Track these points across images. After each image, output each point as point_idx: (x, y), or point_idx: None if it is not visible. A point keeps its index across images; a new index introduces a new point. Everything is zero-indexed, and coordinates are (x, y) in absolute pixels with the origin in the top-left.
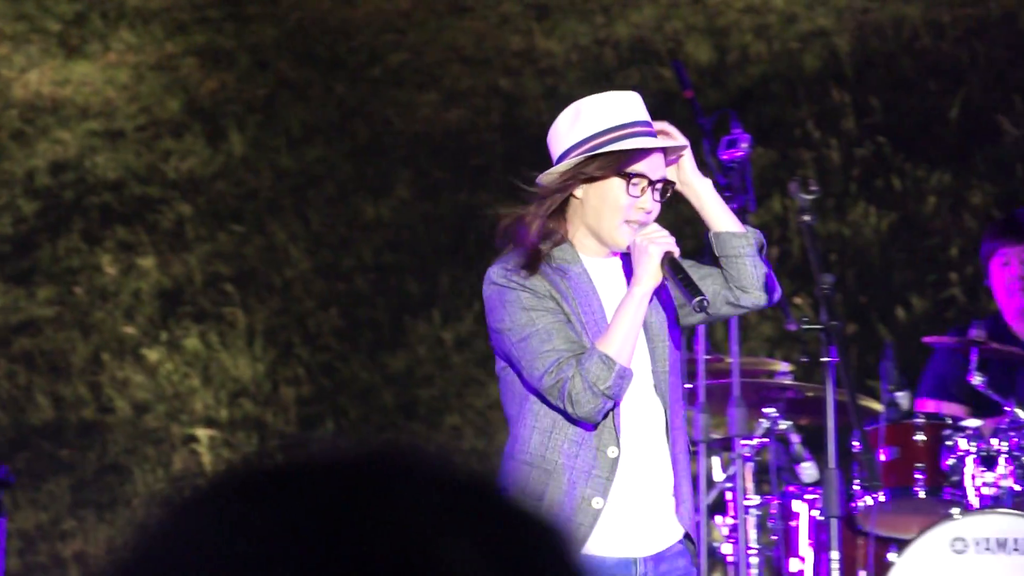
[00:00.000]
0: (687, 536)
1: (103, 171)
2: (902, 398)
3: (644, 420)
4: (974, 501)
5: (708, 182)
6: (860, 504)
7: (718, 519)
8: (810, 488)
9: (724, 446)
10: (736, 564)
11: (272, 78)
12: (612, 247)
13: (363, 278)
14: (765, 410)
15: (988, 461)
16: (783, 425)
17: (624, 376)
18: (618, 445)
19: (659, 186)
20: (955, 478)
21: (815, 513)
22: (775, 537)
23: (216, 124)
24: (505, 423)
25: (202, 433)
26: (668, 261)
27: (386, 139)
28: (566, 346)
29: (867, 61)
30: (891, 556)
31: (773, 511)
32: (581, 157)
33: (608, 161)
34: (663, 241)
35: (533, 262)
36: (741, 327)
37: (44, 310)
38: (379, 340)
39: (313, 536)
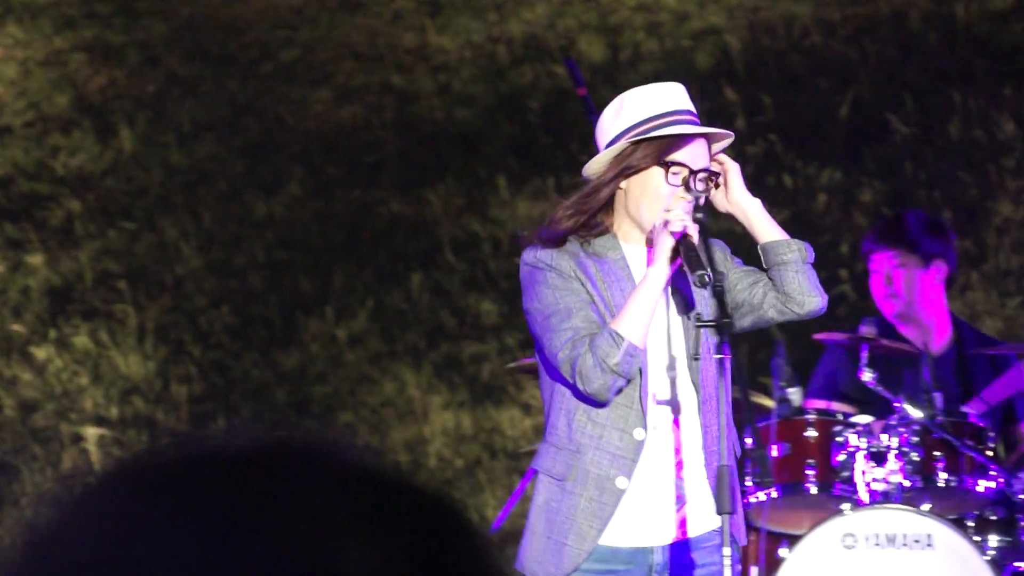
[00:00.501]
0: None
1: None
2: (793, 395)
3: (675, 407)
4: (864, 497)
5: (756, 201)
6: (752, 500)
7: None
8: None
9: None
10: None
11: (162, 74)
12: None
13: (255, 275)
14: None
15: (878, 457)
16: None
17: (633, 354)
18: (644, 428)
19: (701, 176)
20: (845, 474)
21: None
22: None
23: (106, 120)
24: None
25: (92, 432)
26: (682, 241)
27: (278, 136)
28: (584, 325)
29: (758, 59)
30: (782, 552)
31: None
32: (624, 144)
33: (649, 150)
34: (678, 222)
35: (559, 241)
36: None
37: None
38: (272, 338)
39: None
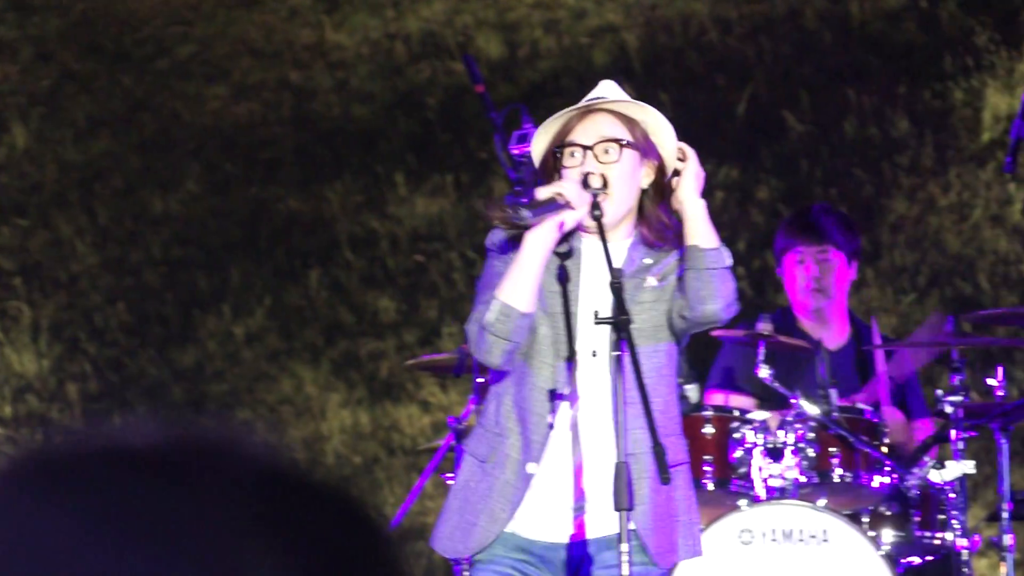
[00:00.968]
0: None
1: None
2: (691, 391)
3: (599, 399)
4: (761, 493)
5: (699, 204)
6: None
7: None
8: None
9: None
10: None
11: (56, 70)
12: (585, 227)
13: (151, 272)
14: None
15: (775, 453)
16: None
17: (508, 314)
18: (553, 412)
19: (597, 147)
20: (743, 470)
21: None
22: None
23: None
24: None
25: None
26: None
27: (175, 132)
28: (489, 294)
29: (655, 57)
30: None
31: None
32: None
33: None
34: (553, 193)
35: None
36: None
37: None
38: (168, 335)
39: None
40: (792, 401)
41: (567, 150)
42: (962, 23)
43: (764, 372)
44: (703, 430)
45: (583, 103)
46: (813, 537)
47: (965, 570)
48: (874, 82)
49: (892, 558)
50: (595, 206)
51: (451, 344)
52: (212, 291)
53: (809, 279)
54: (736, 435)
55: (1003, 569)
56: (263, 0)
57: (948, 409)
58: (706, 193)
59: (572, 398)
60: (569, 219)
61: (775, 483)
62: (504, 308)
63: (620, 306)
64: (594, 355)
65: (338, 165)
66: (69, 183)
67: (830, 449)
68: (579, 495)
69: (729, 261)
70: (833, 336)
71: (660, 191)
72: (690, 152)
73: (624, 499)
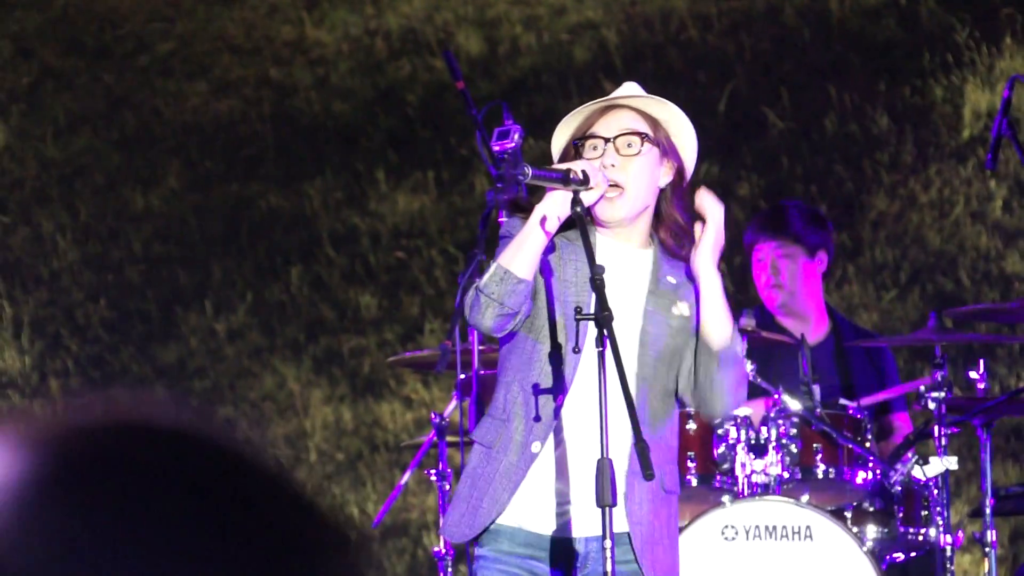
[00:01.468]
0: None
1: None
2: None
3: (608, 394)
4: (744, 489)
5: (717, 281)
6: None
7: None
8: None
9: None
10: None
11: (36, 66)
12: (598, 219)
13: (133, 269)
14: None
15: (758, 449)
16: None
17: (503, 278)
18: (563, 394)
19: (619, 140)
20: (726, 466)
21: None
22: None
23: None
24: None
25: None
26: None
27: (155, 129)
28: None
29: (636, 53)
30: None
31: None
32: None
33: (564, 142)
34: (565, 165)
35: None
36: None
37: None
38: (150, 332)
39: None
40: (775, 396)
41: (588, 143)
42: (942, 20)
43: (747, 367)
44: (686, 426)
45: (606, 99)
46: (796, 533)
47: (948, 566)
48: (854, 79)
49: (876, 554)
50: (575, 201)
51: (433, 340)
52: (194, 288)
53: (767, 275)
54: (719, 431)
55: (986, 565)
56: None
57: (931, 405)
58: (687, 189)
59: (566, 391)
60: (583, 196)
61: (758, 479)
62: (499, 270)
63: (602, 302)
64: (576, 351)
65: (319, 162)
66: (50, 180)
67: (813, 445)
68: (583, 490)
69: (740, 349)
70: (811, 331)
71: (678, 193)
72: (714, 210)
73: (607, 495)
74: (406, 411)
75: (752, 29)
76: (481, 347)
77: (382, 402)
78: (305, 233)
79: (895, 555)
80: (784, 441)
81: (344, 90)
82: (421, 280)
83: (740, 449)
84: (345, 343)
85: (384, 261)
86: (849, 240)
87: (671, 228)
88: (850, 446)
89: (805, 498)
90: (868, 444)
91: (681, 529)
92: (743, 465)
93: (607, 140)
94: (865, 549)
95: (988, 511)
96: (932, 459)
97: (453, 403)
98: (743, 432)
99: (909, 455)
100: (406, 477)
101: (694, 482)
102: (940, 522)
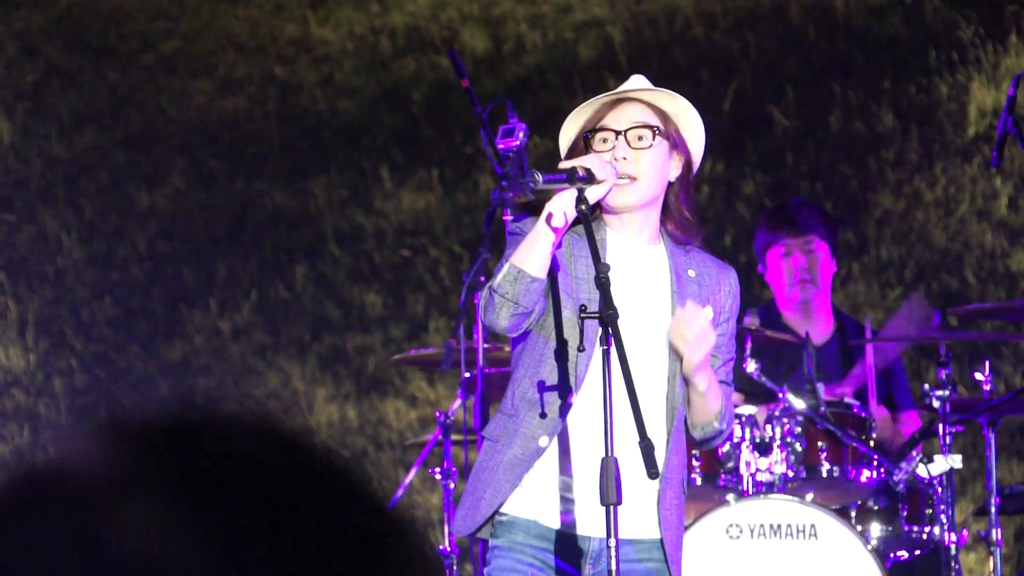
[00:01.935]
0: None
1: None
2: None
3: (615, 393)
4: (749, 487)
5: (704, 380)
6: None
7: None
8: None
9: None
10: None
11: (41, 65)
12: (609, 207)
13: (138, 267)
14: None
15: (762, 448)
16: None
17: (516, 277)
18: (575, 393)
19: (630, 133)
20: (730, 464)
21: None
22: None
23: None
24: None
25: None
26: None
27: (160, 127)
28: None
29: (641, 51)
30: None
31: None
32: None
33: (573, 134)
34: (572, 163)
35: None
36: None
37: None
38: (155, 330)
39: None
40: (779, 395)
41: (598, 135)
42: (947, 17)
43: (751, 366)
44: None
45: (616, 92)
46: (801, 532)
47: (953, 564)
48: (859, 77)
49: (880, 552)
50: (580, 199)
51: (438, 339)
52: (198, 286)
53: (797, 270)
54: None
55: (991, 563)
56: None
57: (935, 404)
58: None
59: (577, 389)
60: (591, 192)
61: (763, 478)
62: (513, 269)
63: (607, 300)
64: (580, 350)
65: (324, 160)
66: (55, 178)
67: (818, 443)
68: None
69: (728, 428)
70: (817, 330)
71: (685, 186)
72: (694, 324)
73: (611, 494)
74: (411, 409)
75: (757, 27)
76: (486, 345)
77: (387, 400)
78: (310, 231)
79: (899, 553)
80: (789, 440)
81: (349, 88)
82: (426, 278)
83: (745, 448)
84: (350, 341)
85: (389, 259)
86: (854, 238)
87: (679, 222)
88: (854, 445)
89: (810, 496)
90: (872, 443)
91: (686, 527)
92: (748, 464)
93: (618, 133)
94: (869, 547)
95: (993, 509)
96: (937, 457)
97: (458, 401)
98: (748, 431)
99: (914, 453)
100: (411, 475)
101: (699, 480)
102: (945, 520)
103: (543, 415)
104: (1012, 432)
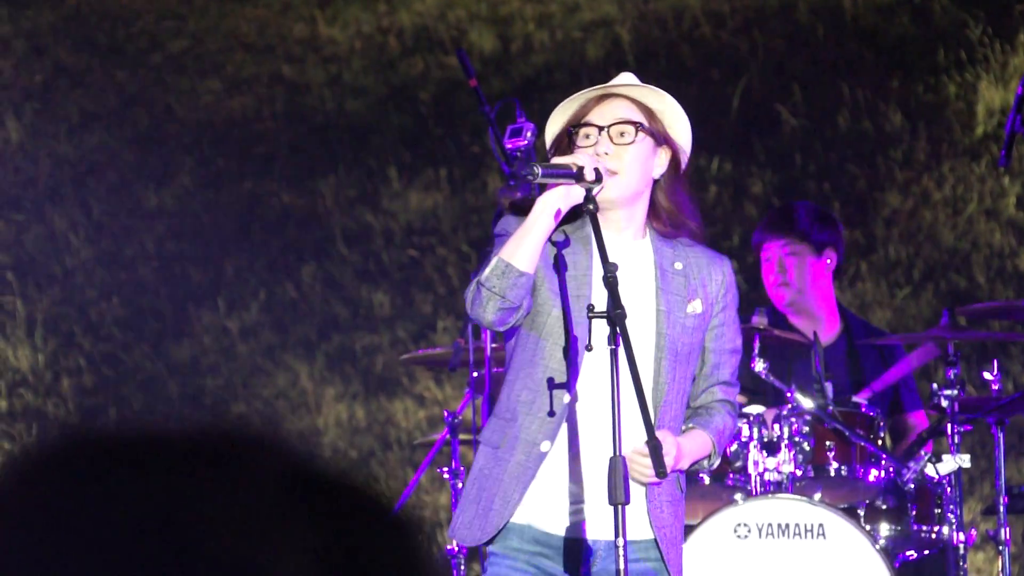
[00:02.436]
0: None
1: None
2: None
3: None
4: (757, 487)
5: (683, 466)
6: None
7: None
8: None
9: None
10: None
11: (50, 64)
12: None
13: (146, 267)
14: None
15: (770, 447)
16: None
17: (504, 271)
18: (571, 391)
19: (613, 129)
20: (738, 464)
21: None
22: None
23: None
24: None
25: None
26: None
27: (168, 127)
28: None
29: (649, 50)
30: None
31: None
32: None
33: (558, 128)
34: (566, 159)
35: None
36: None
37: None
38: (163, 329)
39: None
40: (787, 395)
41: (582, 131)
42: (955, 17)
43: (759, 366)
44: None
45: (602, 87)
46: (809, 531)
47: (962, 564)
48: (868, 76)
49: (889, 552)
50: (588, 199)
51: (446, 338)
52: (206, 285)
53: (775, 274)
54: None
55: (1000, 563)
56: None
57: (944, 403)
58: (700, 186)
59: (574, 388)
60: (581, 189)
61: (771, 477)
62: (500, 264)
63: (615, 300)
64: (589, 349)
65: (331, 159)
66: (63, 178)
67: (826, 443)
68: (595, 490)
69: (717, 460)
70: (823, 330)
71: (672, 183)
72: (644, 460)
73: (619, 493)
74: (419, 409)
75: (765, 26)
76: (494, 345)
77: (395, 400)
78: (318, 231)
79: (908, 553)
80: (797, 439)
81: (357, 88)
82: (434, 278)
83: (753, 447)
84: (358, 341)
85: (397, 259)
86: (862, 237)
87: (664, 219)
88: (863, 444)
89: (818, 496)
90: (881, 442)
91: (694, 527)
92: (756, 463)
93: (601, 128)
94: (878, 547)
95: (1002, 509)
96: (945, 457)
97: (466, 401)
98: (756, 430)
99: (922, 453)
100: (419, 475)
101: (707, 480)
102: (953, 520)
103: (542, 417)
104: (1020, 431)
